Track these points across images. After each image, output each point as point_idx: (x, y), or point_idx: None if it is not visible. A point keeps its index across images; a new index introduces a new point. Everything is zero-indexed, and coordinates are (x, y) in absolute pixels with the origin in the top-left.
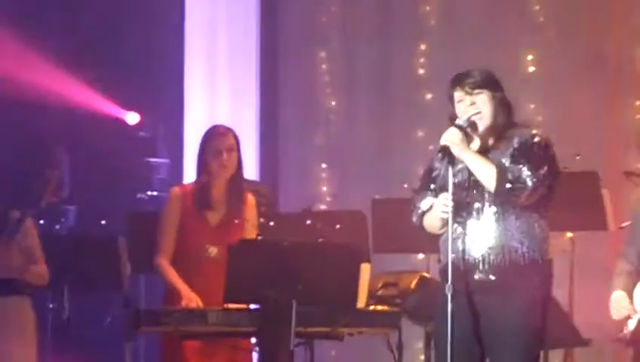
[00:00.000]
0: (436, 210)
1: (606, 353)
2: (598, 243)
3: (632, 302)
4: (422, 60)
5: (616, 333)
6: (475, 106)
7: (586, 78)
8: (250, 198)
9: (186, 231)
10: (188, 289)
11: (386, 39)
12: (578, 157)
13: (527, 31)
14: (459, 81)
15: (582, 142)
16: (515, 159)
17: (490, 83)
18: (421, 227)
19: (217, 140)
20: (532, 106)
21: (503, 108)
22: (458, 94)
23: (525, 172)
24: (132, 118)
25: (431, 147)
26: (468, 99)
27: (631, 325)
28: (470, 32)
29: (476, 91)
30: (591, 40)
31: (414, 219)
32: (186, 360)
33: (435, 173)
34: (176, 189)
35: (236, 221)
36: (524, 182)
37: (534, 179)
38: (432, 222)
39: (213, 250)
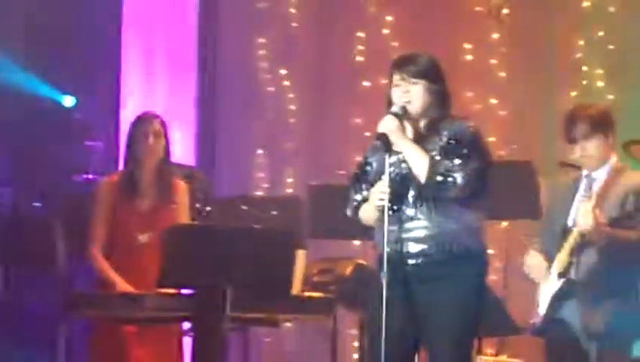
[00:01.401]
0: (372, 199)
1: (540, 341)
2: (532, 233)
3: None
4: (360, 48)
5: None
6: (408, 95)
7: (524, 67)
8: (182, 183)
9: (117, 219)
10: (122, 281)
11: (324, 26)
12: (514, 147)
13: (465, 20)
14: (399, 65)
15: (519, 132)
16: (446, 152)
17: (431, 73)
18: (356, 219)
19: (144, 125)
20: (469, 95)
21: (439, 100)
22: (396, 78)
23: (455, 166)
24: (68, 100)
25: (367, 134)
26: (403, 85)
27: (541, 311)
28: (409, 20)
29: (413, 80)
30: (530, 29)
31: (349, 211)
32: (117, 345)
33: (368, 165)
34: (104, 180)
35: (166, 206)
36: (454, 177)
37: (464, 175)
38: (367, 213)
39: (143, 237)
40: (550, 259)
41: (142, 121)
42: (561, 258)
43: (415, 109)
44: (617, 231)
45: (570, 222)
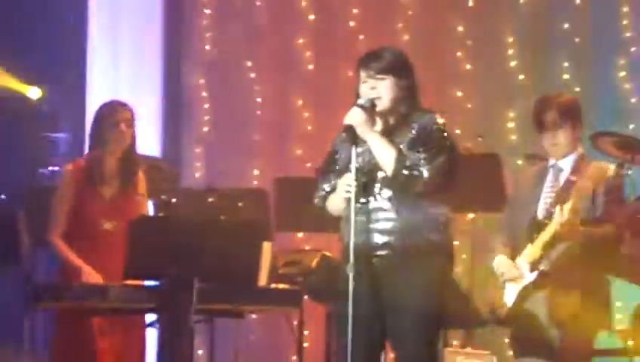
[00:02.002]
0: (339, 190)
1: (505, 333)
2: (498, 224)
3: (515, 264)
4: (325, 41)
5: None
6: (376, 91)
7: (491, 59)
8: (140, 174)
9: (81, 206)
10: (87, 266)
11: (290, 19)
12: (480, 139)
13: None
14: (366, 62)
15: (486, 124)
16: (413, 146)
17: (397, 69)
18: (323, 209)
19: (116, 113)
20: (436, 88)
21: (407, 94)
22: (363, 74)
23: (422, 160)
24: (33, 92)
25: (334, 126)
26: (370, 82)
27: (508, 301)
28: (374, 12)
29: (379, 76)
30: (495, 22)
31: (317, 201)
32: (81, 337)
33: (337, 154)
34: (69, 166)
35: (130, 195)
36: (420, 171)
37: (430, 168)
38: (334, 204)
39: (107, 224)
40: (516, 248)
41: (113, 108)
42: (533, 250)
43: (383, 105)
44: (592, 230)
45: (539, 214)
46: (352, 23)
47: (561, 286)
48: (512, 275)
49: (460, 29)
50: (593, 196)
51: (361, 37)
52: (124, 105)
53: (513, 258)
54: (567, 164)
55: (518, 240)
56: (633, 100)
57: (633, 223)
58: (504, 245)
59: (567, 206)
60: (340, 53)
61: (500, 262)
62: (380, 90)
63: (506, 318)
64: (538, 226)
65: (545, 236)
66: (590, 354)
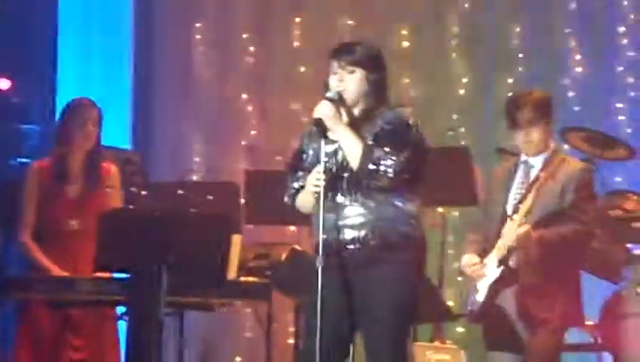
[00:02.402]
0: (308, 184)
1: (475, 328)
2: (469, 219)
3: (482, 262)
4: (297, 33)
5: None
6: (343, 84)
7: (462, 54)
8: (113, 167)
9: (46, 205)
10: (57, 268)
11: (262, 11)
12: (451, 133)
13: (401, 4)
14: (337, 53)
15: (457, 118)
16: (379, 140)
17: (368, 63)
18: (293, 206)
19: (84, 111)
20: (406, 81)
21: (376, 89)
22: (334, 65)
23: (388, 154)
24: (4, 83)
25: (304, 119)
26: (340, 74)
27: (480, 298)
28: (348, 6)
29: (349, 68)
30: (468, 16)
31: (286, 199)
32: (50, 330)
33: (304, 153)
34: (34, 165)
35: (96, 192)
36: (387, 166)
37: (396, 165)
38: (304, 200)
39: (73, 223)
40: (489, 244)
41: (81, 107)
42: (502, 246)
43: (350, 97)
44: (546, 234)
45: (509, 210)
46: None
47: (529, 281)
48: (477, 274)
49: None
50: (562, 192)
51: (333, 31)
52: (91, 103)
53: (485, 254)
54: (538, 161)
55: (491, 236)
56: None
57: (603, 219)
58: (476, 241)
59: (525, 205)
60: (312, 45)
61: (467, 260)
62: (348, 82)
63: (478, 314)
64: (506, 222)
65: (512, 232)
66: (559, 349)
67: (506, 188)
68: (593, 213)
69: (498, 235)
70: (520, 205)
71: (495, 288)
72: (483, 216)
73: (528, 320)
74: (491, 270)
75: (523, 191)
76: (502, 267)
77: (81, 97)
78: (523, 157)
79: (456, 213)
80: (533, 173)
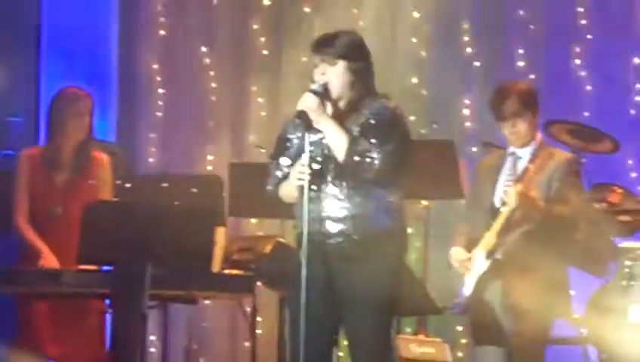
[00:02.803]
0: (292, 177)
1: (458, 321)
2: (453, 212)
3: (469, 257)
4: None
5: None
6: (327, 76)
7: (446, 46)
8: (105, 158)
9: (34, 191)
10: (48, 250)
11: (246, 4)
12: (435, 126)
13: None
14: (318, 47)
15: (441, 111)
16: (364, 132)
17: (351, 52)
18: (277, 196)
19: (79, 103)
20: (389, 74)
21: (360, 78)
22: (316, 58)
23: (373, 146)
24: None
25: (288, 112)
26: (322, 66)
27: (466, 291)
28: None
29: (331, 61)
30: (450, 9)
31: (270, 187)
32: (35, 322)
33: (288, 141)
34: (25, 152)
35: (84, 181)
36: (372, 158)
37: (381, 156)
38: (288, 191)
39: (58, 210)
40: (477, 238)
41: (77, 97)
42: (489, 238)
43: (335, 90)
44: (552, 206)
45: (497, 202)
46: (307, 9)
47: (516, 273)
48: (464, 267)
49: (416, 15)
50: (548, 182)
51: (316, 23)
52: (86, 94)
53: (472, 247)
54: (526, 152)
55: (478, 228)
56: (588, 88)
57: (588, 211)
58: (464, 234)
59: (516, 188)
60: (295, 38)
61: (454, 253)
62: (331, 75)
63: (465, 307)
64: (495, 214)
65: (499, 223)
66: (545, 342)
67: (494, 181)
68: (577, 203)
69: (486, 228)
70: (509, 189)
71: (482, 281)
72: (470, 207)
73: (514, 313)
74: (479, 263)
75: (510, 183)
76: (490, 260)
77: (76, 88)
78: (510, 149)
79: (438, 207)
80: (520, 165)
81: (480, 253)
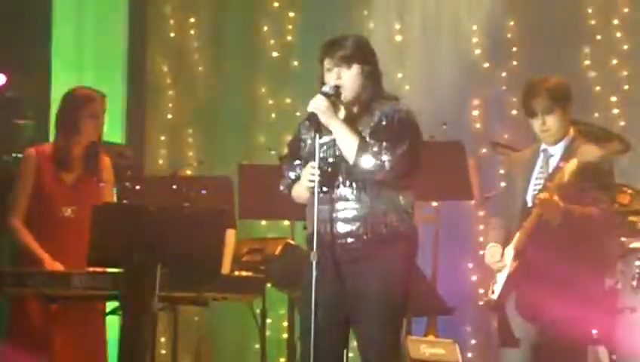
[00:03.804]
0: (303, 179)
1: (468, 321)
2: (462, 213)
3: (503, 255)
4: (290, 27)
5: (480, 300)
6: (340, 81)
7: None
8: (107, 160)
9: (42, 190)
10: (49, 257)
11: (255, 5)
12: (445, 127)
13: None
14: (328, 51)
15: (450, 112)
16: (375, 134)
17: (361, 55)
18: (289, 196)
19: (94, 104)
20: (399, 75)
21: (372, 81)
22: (327, 62)
23: (384, 149)
24: None
25: (298, 113)
26: (335, 70)
27: (497, 289)
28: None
29: (344, 64)
30: (453, 10)
31: (282, 188)
32: (40, 324)
33: (302, 142)
34: (31, 150)
35: (92, 182)
36: (382, 160)
37: (392, 157)
38: (299, 192)
39: (67, 210)
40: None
41: (91, 98)
42: (520, 238)
43: (349, 92)
44: (575, 207)
45: (529, 200)
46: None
47: (542, 275)
48: (497, 266)
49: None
50: (581, 179)
51: (327, 25)
52: (100, 95)
53: (508, 242)
54: (557, 149)
55: (513, 223)
56: (597, 89)
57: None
58: (499, 228)
59: (540, 196)
60: (304, 40)
61: (490, 252)
62: (345, 77)
63: (494, 305)
64: (527, 213)
65: (530, 223)
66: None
67: (527, 177)
68: (606, 204)
69: (518, 227)
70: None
71: (511, 281)
72: (504, 205)
73: (536, 317)
74: (509, 262)
75: (542, 182)
76: (518, 260)
77: (90, 89)
78: (542, 146)
79: (448, 207)
80: (552, 162)
81: (511, 252)
